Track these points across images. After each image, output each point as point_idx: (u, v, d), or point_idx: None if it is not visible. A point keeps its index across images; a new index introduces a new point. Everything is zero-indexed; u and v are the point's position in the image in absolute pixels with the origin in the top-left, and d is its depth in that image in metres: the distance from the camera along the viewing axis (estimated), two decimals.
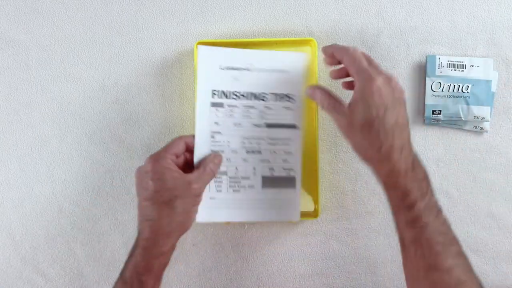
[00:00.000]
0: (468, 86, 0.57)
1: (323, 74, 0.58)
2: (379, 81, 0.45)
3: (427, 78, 0.58)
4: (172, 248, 0.50)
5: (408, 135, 0.47)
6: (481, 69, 0.57)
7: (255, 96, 0.54)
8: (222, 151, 0.54)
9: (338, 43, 0.58)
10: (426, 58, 0.58)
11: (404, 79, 0.59)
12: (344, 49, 0.48)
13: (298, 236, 0.59)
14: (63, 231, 0.59)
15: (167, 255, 0.50)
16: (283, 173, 0.55)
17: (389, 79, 0.46)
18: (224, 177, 0.54)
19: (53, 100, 0.59)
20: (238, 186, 0.54)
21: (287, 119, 0.55)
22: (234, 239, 0.59)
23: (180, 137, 0.52)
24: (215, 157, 0.53)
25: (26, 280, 0.59)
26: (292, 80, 0.55)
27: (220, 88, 0.54)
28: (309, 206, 0.58)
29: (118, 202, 0.59)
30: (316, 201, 0.57)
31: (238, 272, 0.59)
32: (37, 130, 0.59)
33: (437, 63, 0.57)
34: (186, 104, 0.59)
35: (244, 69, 0.54)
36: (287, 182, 0.55)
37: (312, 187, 0.57)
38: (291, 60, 0.55)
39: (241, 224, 0.59)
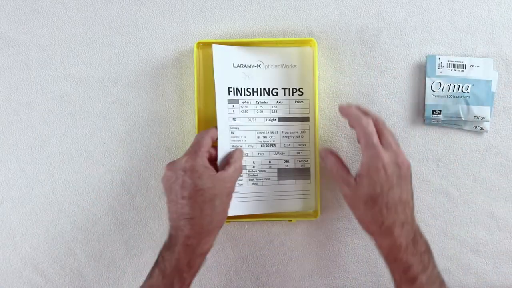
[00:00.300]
0: (468, 86, 0.57)
1: (323, 75, 0.58)
2: (386, 159, 0.47)
3: (427, 78, 0.58)
4: (211, 245, 0.50)
5: (411, 210, 0.48)
6: (481, 69, 0.57)
7: (267, 92, 0.57)
8: (241, 146, 0.56)
9: (339, 45, 0.58)
10: (426, 58, 0.58)
11: (404, 79, 0.59)
12: (358, 119, 0.49)
13: (298, 236, 0.59)
14: (63, 231, 0.59)
15: (207, 253, 0.50)
16: (298, 165, 0.57)
17: (396, 156, 0.47)
18: (243, 171, 0.56)
19: (53, 100, 0.59)
20: (256, 179, 0.56)
21: (299, 112, 0.57)
22: (234, 239, 0.59)
23: (206, 132, 0.52)
24: (240, 153, 0.54)
25: (26, 280, 0.59)
26: (301, 74, 0.57)
27: (235, 85, 0.56)
28: None
29: (118, 202, 0.59)
30: (316, 201, 0.57)
31: (238, 272, 0.59)
32: (37, 130, 0.59)
33: (437, 63, 0.57)
34: (186, 104, 0.59)
35: (255, 66, 0.56)
36: (302, 173, 0.57)
37: None
38: (299, 55, 0.57)
39: (241, 224, 0.59)
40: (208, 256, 0.59)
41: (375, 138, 0.47)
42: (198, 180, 0.47)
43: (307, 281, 0.59)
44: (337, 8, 0.59)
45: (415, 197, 0.59)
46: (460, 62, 0.58)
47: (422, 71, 0.59)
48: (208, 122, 0.56)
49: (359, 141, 0.49)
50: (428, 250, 0.48)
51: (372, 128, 0.48)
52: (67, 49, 0.59)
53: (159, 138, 0.59)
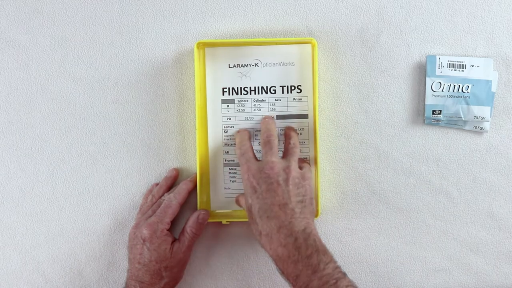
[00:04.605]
0: (468, 86, 0.57)
1: (323, 74, 0.58)
2: (253, 170, 0.50)
3: (427, 78, 0.58)
4: None
5: (288, 214, 0.48)
6: (481, 69, 0.57)
7: (265, 90, 0.57)
8: (235, 144, 0.56)
9: (338, 43, 0.58)
10: (426, 58, 0.58)
11: (404, 79, 0.59)
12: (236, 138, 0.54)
13: None
14: (63, 231, 0.59)
15: None
16: None
17: (265, 164, 0.50)
18: (238, 168, 0.56)
19: (53, 100, 0.59)
20: None
21: (298, 109, 0.57)
22: (235, 239, 0.59)
23: (179, 194, 0.55)
24: (198, 214, 0.55)
25: (26, 280, 0.59)
26: (300, 71, 0.57)
27: (230, 85, 0.57)
28: None
29: (118, 202, 0.59)
30: (316, 201, 0.57)
31: (239, 271, 0.59)
32: (37, 130, 0.59)
33: (437, 63, 0.57)
34: (186, 104, 0.59)
35: (252, 65, 0.57)
36: None
37: None
38: (298, 52, 0.57)
39: (240, 224, 0.59)
40: (209, 255, 0.59)
41: (246, 155, 0.51)
42: (153, 252, 0.52)
43: None
44: (337, 8, 0.59)
45: (415, 196, 0.59)
46: (460, 62, 0.58)
47: (422, 71, 0.59)
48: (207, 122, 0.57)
49: None
50: (317, 250, 0.46)
51: (245, 146, 0.52)
52: (67, 49, 0.59)
53: (159, 138, 0.59)
